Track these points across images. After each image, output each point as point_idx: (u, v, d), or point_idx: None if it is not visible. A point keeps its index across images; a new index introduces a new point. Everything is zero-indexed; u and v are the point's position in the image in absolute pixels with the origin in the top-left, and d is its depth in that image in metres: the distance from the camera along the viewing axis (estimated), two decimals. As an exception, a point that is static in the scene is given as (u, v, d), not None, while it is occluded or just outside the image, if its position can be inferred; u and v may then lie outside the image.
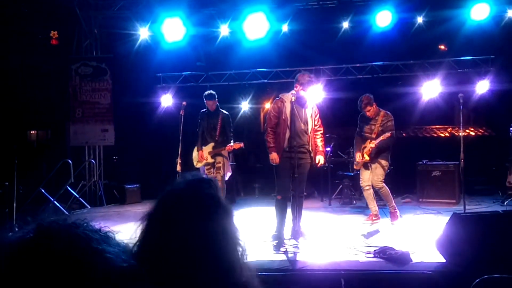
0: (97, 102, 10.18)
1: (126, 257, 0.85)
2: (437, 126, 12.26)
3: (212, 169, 7.14)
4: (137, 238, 1.14)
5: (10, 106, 13.92)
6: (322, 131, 5.72)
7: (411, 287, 3.55)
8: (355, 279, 3.56)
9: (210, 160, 7.14)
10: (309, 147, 5.56)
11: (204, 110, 7.31)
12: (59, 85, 11.11)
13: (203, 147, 7.17)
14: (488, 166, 9.81)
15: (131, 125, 10.65)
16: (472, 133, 11.84)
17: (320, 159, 5.59)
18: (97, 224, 0.89)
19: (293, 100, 5.30)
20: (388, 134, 6.35)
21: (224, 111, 7.34)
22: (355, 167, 7.06)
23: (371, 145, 6.46)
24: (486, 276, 2.68)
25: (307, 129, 5.53)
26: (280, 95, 5.61)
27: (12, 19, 13.17)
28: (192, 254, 1.07)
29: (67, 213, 8.31)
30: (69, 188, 9.06)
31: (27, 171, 10.20)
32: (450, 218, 4.19)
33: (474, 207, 7.55)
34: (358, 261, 4.40)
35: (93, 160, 10.03)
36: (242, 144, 7.01)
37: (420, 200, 8.37)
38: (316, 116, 5.64)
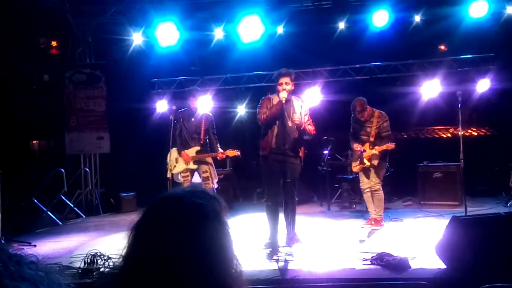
0: (92, 110, 10.03)
1: None
2: (439, 127, 12.06)
3: (189, 177, 6.36)
4: (124, 249, 1.06)
5: (13, 116, 13.88)
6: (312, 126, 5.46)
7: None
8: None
9: (192, 166, 6.28)
10: (299, 151, 5.38)
11: (182, 109, 6.54)
12: (59, 94, 10.99)
13: (185, 151, 6.31)
14: (491, 166, 9.59)
15: (126, 132, 10.48)
16: (474, 133, 11.62)
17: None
18: (16, 251, 0.79)
19: (283, 101, 5.13)
20: (392, 146, 6.15)
21: (206, 112, 6.68)
22: (353, 169, 6.84)
23: (373, 151, 6.27)
24: (487, 286, 2.48)
25: (295, 127, 5.33)
26: (266, 96, 5.48)
27: (13, 29, 13.14)
28: (184, 264, 1.00)
29: (60, 223, 8.16)
30: (63, 198, 8.90)
31: (28, 181, 10.07)
32: (449, 222, 3.99)
33: (477, 208, 7.32)
34: (354, 268, 4.20)
35: (87, 169, 9.87)
36: (238, 153, 6.14)
37: (422, 202, 8.16)
38: (305, 115, 5.44)
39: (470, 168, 8.69)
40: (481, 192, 8.81)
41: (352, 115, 6.58)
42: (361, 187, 6.64)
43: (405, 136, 11.68)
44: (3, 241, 5.88)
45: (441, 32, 9.39)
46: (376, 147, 6.26)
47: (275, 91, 5.45)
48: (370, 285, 3.64)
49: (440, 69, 9.48)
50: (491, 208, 7.52)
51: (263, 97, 5.52)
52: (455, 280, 3.43)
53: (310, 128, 5.35)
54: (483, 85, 9.12)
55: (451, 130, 11.80)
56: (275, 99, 5.34)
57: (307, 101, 6.03)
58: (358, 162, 6.53)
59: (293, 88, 5.40)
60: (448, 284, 3.44)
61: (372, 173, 6.41)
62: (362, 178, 6.58)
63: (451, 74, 9.50)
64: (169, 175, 6.24)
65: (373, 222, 6.36)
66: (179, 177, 6.43)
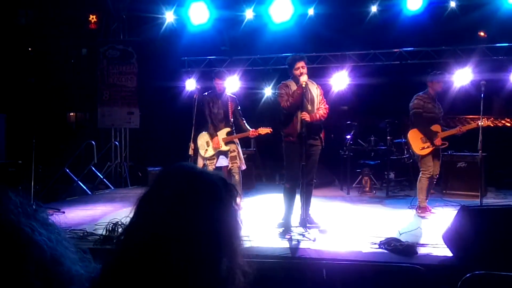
0: (124, 85, 10.34)
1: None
2: (471, 116, 11.76)
3: (215, 159, 6.39)
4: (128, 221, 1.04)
5: (52, 88, 14.43)
6: (325, 107, 5.48)
7: (398, 280, 3.43)
8: (337, 270, 3.47)
9: (224, 147, 6.33)
10: (320, 133, 5.45)
11: (209, 92, 6.58)
12: (95, 69, 11.36)
13: (217, 135, 6.34)
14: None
15: (156, 109, 10.76)
16: (508, 124, 11.31)
17: (305, 115, 5.16)
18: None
19: (303, 85, 5.18)
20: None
21: (230, 93, 6.68)
22: (420, 152, 6.15)
23: (464, 128, 6.18)
24: (476, 272, 2.53)
25: (314, 110, 5.38)
26: (282, 82, 5.50)
27: (55, 4, 13.56)
28: (184, 240, 0.96)
29: (90, 193, 8.54)
30: (93, 169, 9.29)
31: (63, 151, 10.54)
32: (458, 211, 4.01)
33: (499, 200, 7.22)
34: (361, 251, 4.29)
35: (116, 142, 10.23)
36: (270, 130, 6.15)
37: (444, 192, 8.07)
38: (321, 95, 5.49)
39: (499, 159, 8.49)
40: (508, 184, 8.62)
41: (427, 90, 6.37)
42: (431, 173, 6.13)
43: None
44: (34, 207, 6.23)
45: (477, 20, 9.09)
46: (462, 127, 6.19)
47: (289, 77, 5.49)
48: (372, 266, 3.73)
49: (473, 56, 9.23)
50: (513, 200, 7.39)
51: (279, 85, 5.54)
52: (451, 267, 3.47)
53: (321, 112, 5.37)
54: (518, 74, 8.84)
55: (484, 120, 11.49)
56: (292, 85, 5.37)
57: (322, 84, 6.01)
58: (428, 143, 6.14)
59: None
60: (443, 270, 3.49)
61: (439, 158, 6.26)
62: (431, 162, 6.15)
63: (484, 62, 9.23)
64: (190, 152, 6.39)
65: (419, 211, 6.26)
66: (206, 161, 6.45)
